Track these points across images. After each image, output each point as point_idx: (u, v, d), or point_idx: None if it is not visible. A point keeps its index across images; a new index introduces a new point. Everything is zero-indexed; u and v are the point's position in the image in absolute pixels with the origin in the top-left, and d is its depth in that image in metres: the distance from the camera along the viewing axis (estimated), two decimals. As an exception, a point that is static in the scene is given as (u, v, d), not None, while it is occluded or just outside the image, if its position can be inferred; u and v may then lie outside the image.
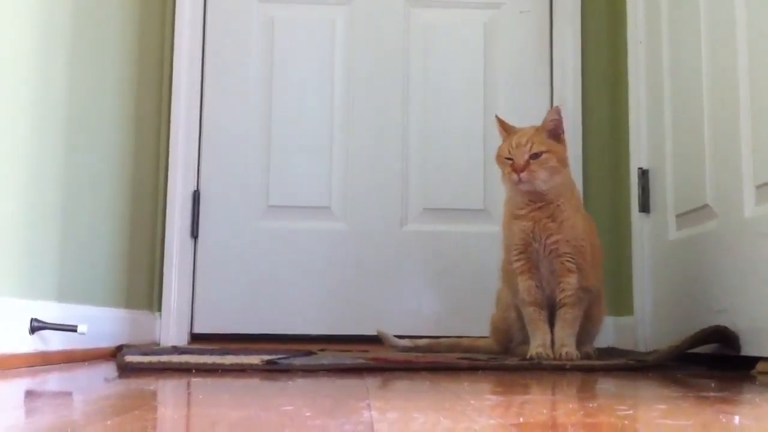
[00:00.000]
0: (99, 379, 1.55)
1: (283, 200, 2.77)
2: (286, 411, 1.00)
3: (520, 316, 2.07)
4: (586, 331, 2.05)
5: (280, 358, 1.78)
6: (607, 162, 2.77)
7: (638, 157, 2.47)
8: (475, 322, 2.44)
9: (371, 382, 1.45)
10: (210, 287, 2.72)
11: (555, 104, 2.79)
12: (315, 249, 2.75)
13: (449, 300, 2.73)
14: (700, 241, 2.05)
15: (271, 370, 1.66)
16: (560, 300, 1.98)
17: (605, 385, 1.47)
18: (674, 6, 2.27)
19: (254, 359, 1.74)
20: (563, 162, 1.97)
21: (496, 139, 2.11)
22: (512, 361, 1.90)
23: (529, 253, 2.00)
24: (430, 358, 1.97)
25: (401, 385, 1.45)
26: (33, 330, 1.72)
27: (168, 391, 1.33)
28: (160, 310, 2.65)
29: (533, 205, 1.98)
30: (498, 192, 2.42)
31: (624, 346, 2.51)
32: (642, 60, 2.48)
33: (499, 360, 1.92)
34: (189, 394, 1.28)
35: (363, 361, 1.79)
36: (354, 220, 2.77)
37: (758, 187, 1.78)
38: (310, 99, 2.81)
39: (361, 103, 2.82)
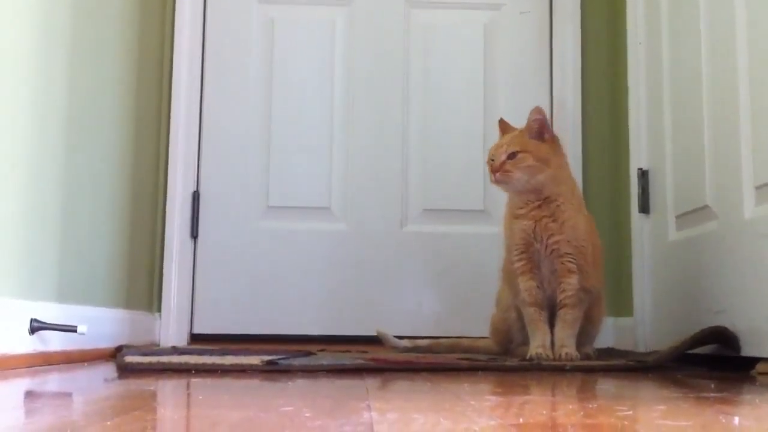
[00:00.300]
0: (99, 379, 1.55)
1: (283, 200, 2.77)
2: (286, 412, 1.00)
3: (520, 317, 2.07)
4: (586, 332, 2.05)
5: (279, 359, 1.78)
6: (607, 162, 2.77)
7: (638, 157, 2.48)
8: (475, 323, 2.44)
9: (371, 382, 1.45)
10: (210, 288, 2.72)
11: (555, 105, 2.79)
12: (315, 249, 2.75)
13: (449, 300, 2.73)
14: (700, 241, 2.05)
15: (271, 371, 1.66)
16: (561, 300, 1.98)
17: (605, 385, 1.47)
18: (674, 7, 2.27)
19: (254, 360, 1.74)
20: (544, 160, 1.97)
21: (496, 140, 2.12)
22: (512, 361, 1.90)
23: (530, 254, 2.00)
24: (430, 358, 1.97)
25: (401, 385, 1.45)
26: (33, 330, 1.72)
27: (168, 391, 1.33)
28: (159, 310, 2.65)
29: (531, 204, 1.99)
30: (498, 193, 2.41)
31: (624, 347, 2.51)
32: (642, 60, 2.48)
33: (499, 361, 1.92)
34: (189, 394, 1.28)
35: (363, 361, 1.79)
36: (354, 220, 2.77)
37: (758, 187, 1.78)
38: (310, 100, 2.81)
39: (361, 104, 2.82)
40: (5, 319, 1.64)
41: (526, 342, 2.02)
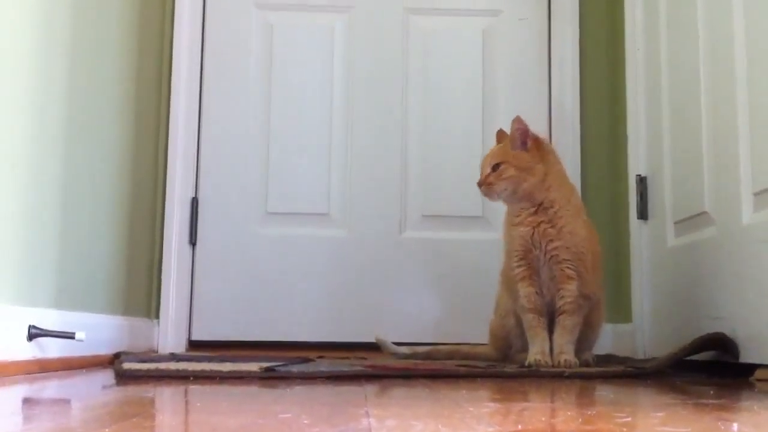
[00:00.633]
0: (97, 386, 1.55)
1: (281, 206, 2.77)
2: (284, 418, 1.00)
3: (519, 323, 2.07)
4: (585, 338, 2.05)
5: (278, 366, 1.78)
6: (606, 168, 2.77)
7: (636, 163, 2.48)
8: (474, 329, 2.43)
9: (369, 389, 1.45)
10: (208, 294, 2.72)
11: (554, 111, 2.80)
12: (313, 255, 2.75)
13: (448, 306, 2.73)
14: (699, 248, 2.05)
15: (269, 378, 1.66)
16: (560, 307, 1.98)
17: (604, 392, 1.47)
18: (672, 13, 2.28)
19: (252, 366, 1.73)
20: (526, 169, 1.99)
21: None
22: (511, 368, 1.90)
23: (529, 260, 2.00)
24: (429, 365, 1.97)
25: (400, 392, 1.45)
26: (31, 337, 1.72)
27: (166, 398, 1.33)
28: (158, 317, 2.65)
29: (526, 211, 2.01)
30: (496, 199, 2.42)
31: (622, 353, 2.51)
32: (640, 66, 2.48)
33: (497, 367, 1.92)
34: (187, 401, 1.28)
35: (361, 368, 1.79)
36: (353, 226, 2.77)
37: (756, 194, 1.78)
38: (309, 106, 2.82)
39: (360, 110, 2.82)
40: (3, 326, 1.64)
41: (525, 348, 2.02)
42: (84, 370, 1.89)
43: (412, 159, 2.81)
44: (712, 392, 1.47)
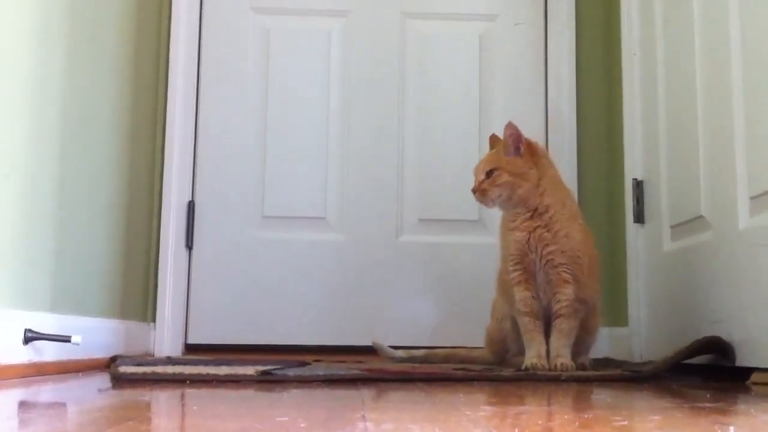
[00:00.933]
0: (93, 389, 1.55)
1: (278, 210, 2.77)
2: (281, 422, 1.00)
3: (515, 327, 2.07)
4: (581, 342, 2.05)
5: (274, 369, 1.77)
6: (602, 172, 2.78)
7: (633, 167, 2.48)
8: (471, 333, 2.43)
9: (366, 393, 1.44)
10: (205, 298, 2.71)
11: (550, 115, 2.80)
12: (310, 259, 2.75)
13: (444, 310, 2.73)
14: (695, 252, 2.06)
15: (266, 381, 1.66)
16: (556, 311, 1.98)
17: (600, 395, 1.47)
18: (668, 17, 2.29)
19: (249, 370, 1.73)
20: (520, 175, 2.00)
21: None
22: (507, 371, 1.90)
23: (525, 264, 2.00)
24: (426, 368, 1.97)
25: (396, 396, 1.45)
26: (27, 340, 1.72)
27: (162, 402, 1.33)
28: (154, 320, 2.65)
29: (521, 216, 2.01)
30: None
31: (619, 357, 2.51)
32: (636, 71, 2.49)
33: (494, 371, 1.92)
34: (183, 405, 1.28)
35: (358, 372, 1.79)
36: (349, 230, 2.77)
37: (753, 198, 1.79)
38: (305, 110, 2.82)
39: (357, 114, 2.82)
40: (-1, 329, 1.63)
41: (521, 352, 2.02)
42: (80, 374, 1.88)
43: (408, 163, 2.81)
44: (708, 396, 1.47)
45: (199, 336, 2.70)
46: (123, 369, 1.71)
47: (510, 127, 2.02)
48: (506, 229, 2.05)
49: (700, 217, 2.03)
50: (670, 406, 1.29)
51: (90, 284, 2.16)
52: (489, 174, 2.01)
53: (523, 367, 1.94)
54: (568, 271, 1.98)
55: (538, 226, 1.99)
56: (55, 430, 0.96)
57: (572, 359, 1.95)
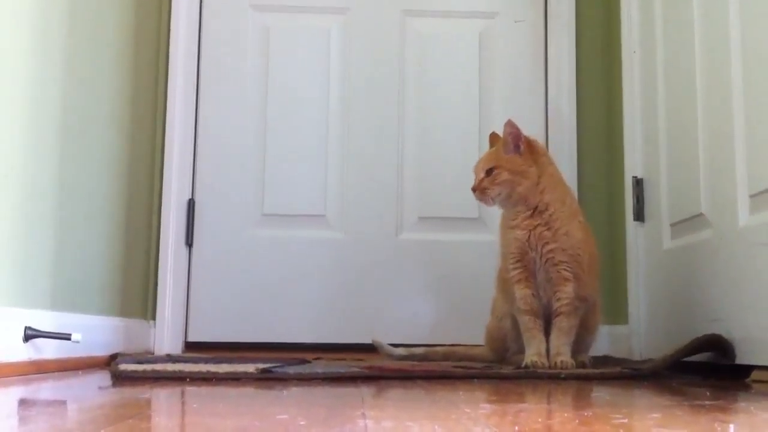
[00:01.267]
0: (93, 387, 1.55)
1: (278, 208, 2.77)
2: (281, 420, 1.00)
3: (515, 325, 2.07)
4: (581, 340, 2.05)
5: (274, 367, 1.78)
6: (602, 170, 2.78)
7: (633, 165, 2.48)
8: (471, 331, 2.43)
9: (366, 390, 1.45)
10: (204, 296, 2.71)
11: (550, 113, 2.80)
12: (310, 257, 2.75)
13: (444, 308, 2.73)
14: (695, 250, 2.06)
15: (265, 379, 1.66)
16: (556, 309, 1.98)
17: (600, 393, 1.47)
18: (668, 15, 2.28)
19: (249, 368, 1.73)
20: (520, 173, 2.00)
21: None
22: (507, 369, 1.90)
23: (525, 262, 2.00)
24: (425, 366, 1.97)
25: (396, 393, 1.45)
26: (27, 338, 1.72)
27: (162, 399, 1.33)
28: (154, 318, 2.65)
29: (522, 214, 2.01)
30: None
31: (619, 355, 2.51)
32: (636, 69, 2.49)
33: (494, 369, 1.92)
34: (183, 402, 1.28)
35: (358, 369, 1.79)
36: (349, 228, 2.77)
37: (753, 196, 1.79)
38: (305, 108, 2.82)
39: (357, 112, 2.82)
40: (-1, 327, 1.64)
41: (521, 350, 2.02)
42: (80, 372, 1.88)
43: (408, 161, 2.81)
44: (708, 394, 1.47)
45: (199, 334, 2.70)
46: (123, 367, 1.72)
47: (509, 125, 2.02)
48: (506, 227, 2.04)
49: (700, 215, 2.03)
50: (670, 404, 1.29)
51: (90, 282, 2.16)
52: (489, 172, 2.01)
53: (523, 365, 1.94)
54: (568, 269, 1.98)
55: (538, 224, 1.99)
56: (56, 427, 0.96)
57: (572, 357, 1.95)
